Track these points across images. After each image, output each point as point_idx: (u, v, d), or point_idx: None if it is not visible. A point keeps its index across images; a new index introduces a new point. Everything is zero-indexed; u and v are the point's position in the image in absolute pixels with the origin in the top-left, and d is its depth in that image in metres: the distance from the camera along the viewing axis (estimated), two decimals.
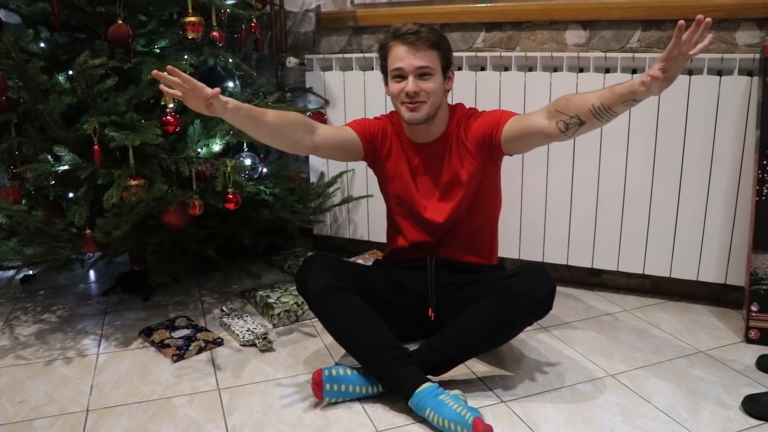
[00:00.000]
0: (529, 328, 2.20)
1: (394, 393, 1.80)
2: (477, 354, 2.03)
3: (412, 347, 1.91)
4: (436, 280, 2.08)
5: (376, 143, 2.10)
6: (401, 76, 1.93)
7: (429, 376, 1.80)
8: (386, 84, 2.03)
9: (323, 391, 1.82)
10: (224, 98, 1.77)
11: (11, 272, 2.55)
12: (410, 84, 1.91)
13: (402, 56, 1.91)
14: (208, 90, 1.73)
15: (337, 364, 2.05)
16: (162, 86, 1.74)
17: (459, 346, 1.88)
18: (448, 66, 1.99)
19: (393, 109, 2.07)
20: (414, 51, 1.90)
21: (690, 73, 2.28)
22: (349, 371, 1.85)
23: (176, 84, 1.72)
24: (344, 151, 2.10)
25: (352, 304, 1.89)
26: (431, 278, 2.08)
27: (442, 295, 2.07)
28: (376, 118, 2.16)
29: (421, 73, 1.91)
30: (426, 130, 2.03)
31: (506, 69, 2.55)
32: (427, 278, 2.09)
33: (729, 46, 2.29)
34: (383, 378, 1.80)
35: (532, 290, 1.82)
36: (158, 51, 2.34)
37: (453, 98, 2.54)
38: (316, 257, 2.00)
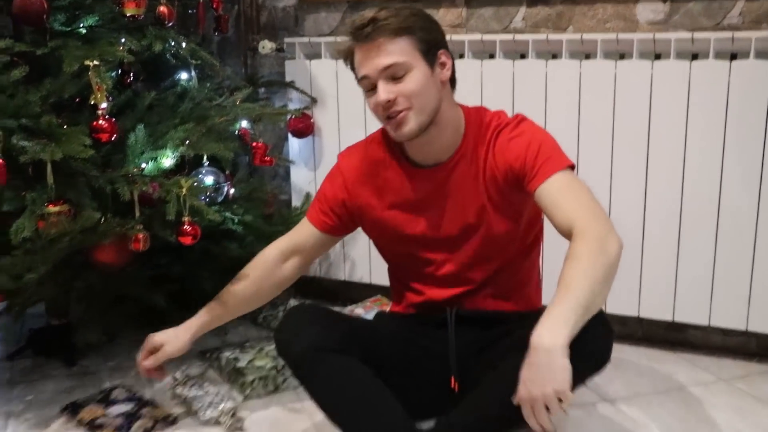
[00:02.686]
0: (587, 401, 2.27)
1: None
2: (508, 430, 1.96)
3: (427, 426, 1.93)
4: (459, 338, 2.02)
5: (352, 218, 2.09)
6: (372, 86, 1.83)
7: None
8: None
9: None
10: (177, 340, 2.04)
11: None
12: (380, 92, 1.79)
13: (361, 60, 1.82)
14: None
15: None
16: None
17: (484, 421, 1.81)
18: (431, 49, 1.84)
19: None
20: (374, 48, 1.78)
21: None
22: None
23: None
24: (324, 246, 2.18)
25: (350, 370, 1.84)
26: (452, 337, 2.02)
27: (467, 358, 2.01)
28: (349, 154, 2.11)
29: (391, 75, 1.79)
30: (429, 148, 1.91)
31: (554, 57, 2.55)
32: (446, 337, 2.03)
33: None
34: None
35: (589, 350, 1.68)
36: (84, 31, 2.31)
37: (482, 98, 2.59)
38: (302, 309, 1.98)
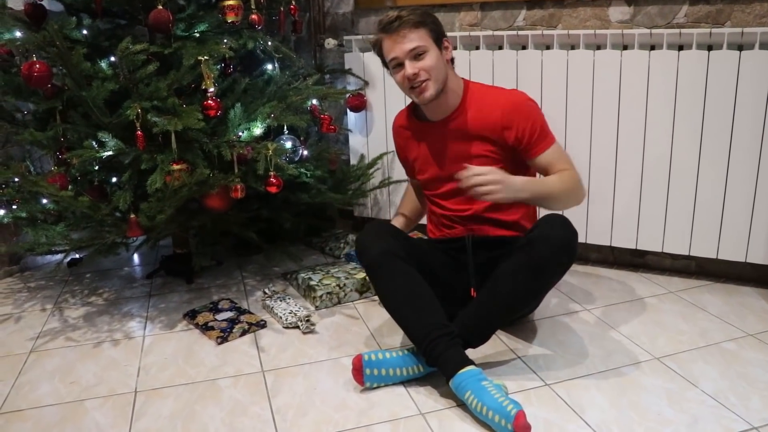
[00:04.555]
0: (571, 309, 2.31)
1: (437, 369, 1.81)
2: (511, 316, 2.05)
3: None
4: (475, 258, 2.09)
5: (409, 159, 2.23)
6: (399, 64, 1.97)
7: (471, 358, 1.80)
8: (392, 75, 2.06)
9: (363, 377, 1.83)
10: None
11: (59, 256, 2.61)
12: (408, 68, 1.94)
13: (392, 46, 1.96)
14: None
15: (379, 349, 2.06)
16: None
17: (491, 311, 1.90)
18: (439, 38, 2.00)
19: None
20: (401, 37, 1.94)
21: (740, 48, 2.23)
22: (388, 354, 1.86)
23: None
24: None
25: (409, 274, 1.90)
26: (470, 258, 2.10)
27: (482, 272, 2.07)
28: (395, 123, 2.26)
29: (415, 55, 1.95)
30: (441, 106, 2.05)
31: (548, 47, 2.53)
32: (467, 258, 2.10)
33: None
34: (427, 353, 1.80)
35: (552, 235, 1.83)
36: (198, 35, 2.36)
37: (494, 78, 2.58)
38: (379, 224, 2.04)
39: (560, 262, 1.87)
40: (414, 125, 2.16)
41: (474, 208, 2.08)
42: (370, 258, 1.93)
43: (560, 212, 2.05)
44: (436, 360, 1.78)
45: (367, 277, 2.42)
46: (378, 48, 2.02)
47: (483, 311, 1.91)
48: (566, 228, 1.86)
